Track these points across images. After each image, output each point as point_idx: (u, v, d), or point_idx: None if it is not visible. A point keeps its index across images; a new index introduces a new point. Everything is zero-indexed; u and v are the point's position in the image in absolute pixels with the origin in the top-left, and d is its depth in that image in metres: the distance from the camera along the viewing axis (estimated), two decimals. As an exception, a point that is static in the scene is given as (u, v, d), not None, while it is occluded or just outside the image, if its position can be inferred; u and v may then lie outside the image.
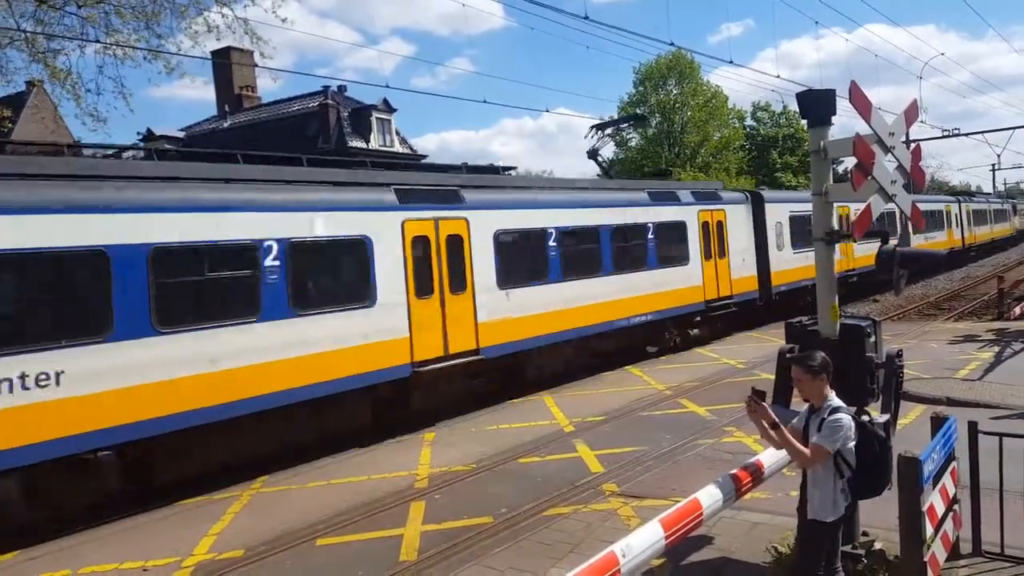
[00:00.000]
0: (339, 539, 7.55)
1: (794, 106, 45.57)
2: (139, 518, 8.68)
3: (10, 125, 20.99)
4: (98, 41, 16.53)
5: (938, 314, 22.33)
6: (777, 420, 4.64)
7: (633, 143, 51.87)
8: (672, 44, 20.63)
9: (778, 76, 27.45)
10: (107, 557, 7.52)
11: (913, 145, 6.07)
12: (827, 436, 4.57)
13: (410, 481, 9.29)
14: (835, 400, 4.74)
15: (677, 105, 48.72)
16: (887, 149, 5.58)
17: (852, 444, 4.62)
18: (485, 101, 44.23)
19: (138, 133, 40.88)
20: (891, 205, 5.77)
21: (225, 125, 40.19)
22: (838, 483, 4.66)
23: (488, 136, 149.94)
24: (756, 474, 5.59)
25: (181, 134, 41.56)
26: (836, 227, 5.82)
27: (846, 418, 4.62)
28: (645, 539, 3.82)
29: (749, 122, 57.13)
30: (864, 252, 24.63)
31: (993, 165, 70.48)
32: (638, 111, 50.23)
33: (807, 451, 4.58)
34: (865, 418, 4.91)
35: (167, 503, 9.05)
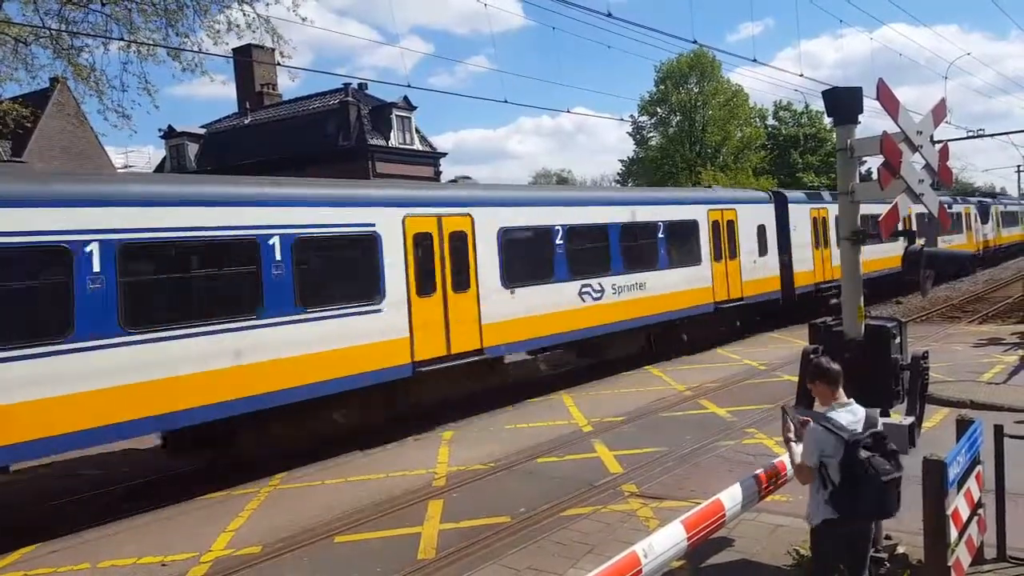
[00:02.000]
0: (357, 536, 7.56)
1: (816, 105, 44.74)
2: (158, 513, 8.73)
3: (28, 125, 21.23)
4: (122, 39, 16.70)
5: (962, 316, 21.97)
6: (791, 434, 4.61)
7: (654, 142, 51.65)
8: (695, 42, 20.25)
9: (801, 75, 27.26)
10: (126, 552, 7.58)
11: (940, 144, 5.96)
12: (803, 446, 4.54)
13: (428, 479, 9.28)
14: (825, 409, 4.60)
15: (698, 104, 48.43)
16: (915, 148, 5.48)
17: (835, 460, 4.38)
18: (506, 101, 44.11)
19: (159, 130, 41.33)
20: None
21: (246, 122, 40.46)
22: (821, 493, 4.51)
23: (505, 134, 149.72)
24: (778, 476, 5.52)
25: (202, 131, 41.90)
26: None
27: (816, 429, 4.45)
28: (667, 540, 3.78)
29: (771, 121, 56.64)
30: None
31: (1019, 166, 69.37)
32: (658, 110, 50.05)
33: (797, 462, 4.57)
34: (854, 434, 4.46)
35: (186, 499, 9.11)
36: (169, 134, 40.73)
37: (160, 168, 40.78)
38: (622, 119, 38.17)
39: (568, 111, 55.40)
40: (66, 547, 7.84)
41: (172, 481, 10.10)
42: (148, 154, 79.66)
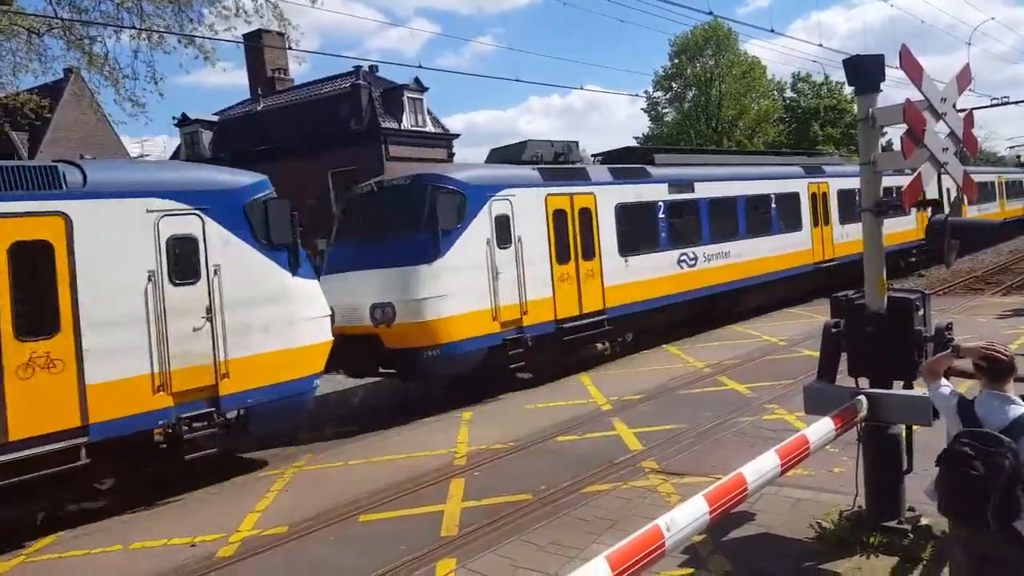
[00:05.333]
0: (381, 515, 7.65)
1: (836, 76, 43.76)
2: (184, 496, 8.88)
3: (48, 115, 21.41)
4: (133, 27, 16.74)
5: (985, 288, 21.68)
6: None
7: (669, 118, 51.15)
8: (711, 13, 19.97)
9: (820, 45, 26.81)
10: (156, 533, 7.73)
11: (965, 112, 5.85)
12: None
13: (449, 459, 9.36)
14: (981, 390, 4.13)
15: (714, 77, 47.84)
16: (939, 116, 5.39)
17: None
18: (517, 79, 43.87)
19: (173, 118, 41.45)
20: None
21: (258, 108, 40.51)
22: None
23: (516, 114, 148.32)
24: (800, 450, 5.50)
25: (216, 118, 42.02)
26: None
27: (953, 396, 4.24)
28: (689, 514, 3.76)
29: (789, 94, 55.86)
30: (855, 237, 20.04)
31: (1044, 134, 67.87)
32: (673, 85, 49.52)
33: None
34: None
35: (213, 482, 9.25)
36: (183, 122, 40.86)
37: (175, 156, 41.00)
38: (636, 95, 37.92)
39: (581, 88, 54.94)
40: (98, 530, 8.00)
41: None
42: (163, 143, 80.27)
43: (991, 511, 3.61)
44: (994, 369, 3.97)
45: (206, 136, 40.50)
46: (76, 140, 34.89)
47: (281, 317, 9.46)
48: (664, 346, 16.04)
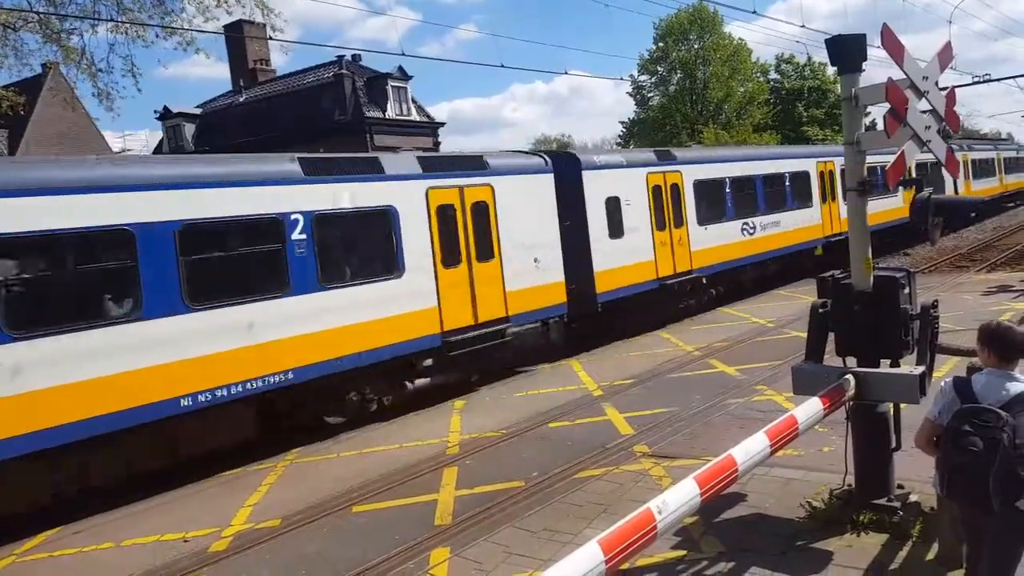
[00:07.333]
0: (374, 506, 7.65)
1: (819, 57, 43.72)
2: (177, 492, 8.84)
3: (22, 112, 21.07)
4: (111, 19, 16.50)
5: (970, 265, 21.83)
6: None
7: (654, 101, 51.04)
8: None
9: (803, 26, 26.87)
10: (148, 530, 7.69)
11: (947, 89, 5.86)
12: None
13: (442, 448, 9.36)
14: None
15: (699, 60, 47.73)
16: (921, 94, 5.39)
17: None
18: (502, 66, 43.43)
19: (156, 111, 41.05)
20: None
21: (240, 100, 40.15)
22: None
23: (500, 102, 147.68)
24: (789, 430, 5.53)
25: (198, 111, 41.62)
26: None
27: (944, 384, 4.04)
28: (681, 496, 3.79)
29: (773, 75, 55.82)
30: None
31: (1025, 111, 68.20)
32: (659, 68, 49.39)
33: None
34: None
35: (204, 476, 9.21)
36: (165, 115, 40.47)
37: (158, 150, 40.62)
38: (621, 79, 37.72)
39: (566, 72, 54.50)
40: (90, 527, 7.96)
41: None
42: (145, 137, 79.61)
43: (994, 490, 3.59)
44: (1004, 346, 3.85)
45: (189, 129, 40.15)
46: (56, 136, 34.47)
47: None
48: (656, 331, 16.07)
